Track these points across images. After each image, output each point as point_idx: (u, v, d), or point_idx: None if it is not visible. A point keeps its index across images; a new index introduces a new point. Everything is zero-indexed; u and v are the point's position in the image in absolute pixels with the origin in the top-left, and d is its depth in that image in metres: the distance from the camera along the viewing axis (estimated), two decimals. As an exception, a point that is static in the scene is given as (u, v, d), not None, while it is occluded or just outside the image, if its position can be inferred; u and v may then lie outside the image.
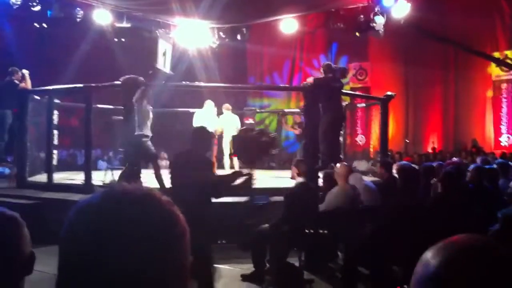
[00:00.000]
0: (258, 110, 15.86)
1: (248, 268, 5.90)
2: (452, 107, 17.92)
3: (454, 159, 10.62)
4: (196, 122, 11.09)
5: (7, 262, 1.31)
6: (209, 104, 11.21)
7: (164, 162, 15.20)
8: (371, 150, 17.75)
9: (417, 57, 17.13)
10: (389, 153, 12.02)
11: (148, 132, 8.51)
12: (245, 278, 5.77)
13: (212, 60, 16.49)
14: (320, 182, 8.30)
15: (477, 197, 6.02)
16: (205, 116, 11.04)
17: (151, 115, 8.78)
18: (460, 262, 0.73)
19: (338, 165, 6.63)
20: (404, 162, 8.55)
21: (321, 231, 5.83)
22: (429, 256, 0.76)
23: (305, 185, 6.30)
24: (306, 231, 5.80)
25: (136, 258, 0.76)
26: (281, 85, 20.12)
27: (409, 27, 12.52)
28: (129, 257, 0.76)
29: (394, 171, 8.32)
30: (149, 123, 8.60)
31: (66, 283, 0.80)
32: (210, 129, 10.61)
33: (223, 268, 6.24)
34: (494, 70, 16.59)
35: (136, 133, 8.27)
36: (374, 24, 11.61)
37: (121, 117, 8.75)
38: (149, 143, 8.54)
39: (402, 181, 5.67)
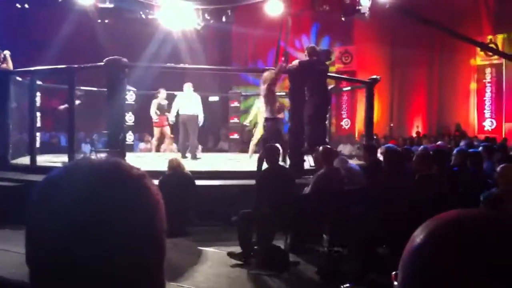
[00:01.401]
0: (243, 93, 15.81)
1: (235, 250, 5.91)
2: (436, 92, 18.05)
3: (439, 142, 10.71)
4: (177, 105, 11.07)
5: None
6: (188, 87, 11.14)
7: (149, 145, 15.18)
8: (356, 134, 17.84)
9: (403, 40, 17.16)
10: (374, 137, 12.08)
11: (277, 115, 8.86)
12: (231, 255, 5.79)
13: (197, 42, 16.36)
14: (308, 164, 8.35)
15: (461, 180, 6.09)
16: (186, 99, 10.97)
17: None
18: (444, 234, 0.71)
19: (323, 148, 6.63)
20: (389, 144, 8.60)
21: (305, 213, 5.85)
22: (416, 233, 0.75)
23: (277, 168, 6.34)
24: (289, 213, 5.84)
25: (106, 234, 0.74)
26: (266, 68, 20.00)
27: (394, 10, 12.50)
28: (96, 234, 0.73)
29: (379, 154, 8.38)
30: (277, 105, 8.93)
31: (36, 263, 0.77)
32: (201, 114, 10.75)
33: (210, 251, 6.26)
34: (479, 55, 16.69)
35: (269, 116, 8.51)
36: (360, 7, 11.57)
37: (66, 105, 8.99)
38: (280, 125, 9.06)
39: (387, 163, 5.70)
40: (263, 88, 8.61)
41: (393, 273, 0.77)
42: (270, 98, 8.59)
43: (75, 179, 0.78)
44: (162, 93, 12.13)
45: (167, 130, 12.53)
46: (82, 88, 11.64)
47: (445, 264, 0.68)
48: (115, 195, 0.77)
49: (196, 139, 11.16)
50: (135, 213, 0.77)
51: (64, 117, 10.15)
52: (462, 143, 11.63)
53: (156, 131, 12.47)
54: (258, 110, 10.95)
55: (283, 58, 8.37)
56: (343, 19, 12.43)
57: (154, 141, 12.78)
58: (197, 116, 10.91)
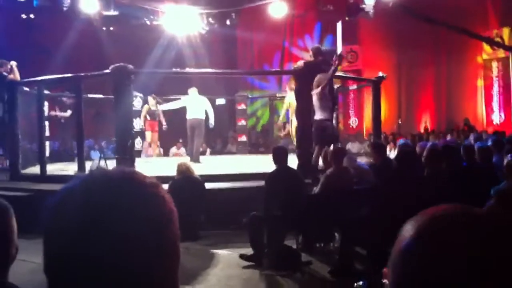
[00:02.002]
0: (250, 96, 15.84)
1: (246, 252, 5.92)
2: (444, 87, 17.96)
3: (449, 137, 10.66)
4: (179, 104, 11.21)
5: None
6: (193, 91, 11.18)
7: (157, 150, 15.24)
8: (365, 132, 17.79)
9: (408, 37, 17.08)
10: (382, 134, 12.05)
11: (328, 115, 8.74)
12: (243, 257, 5.80)
13: (202, 47, 16.41)
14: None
15: (470, 175, 6.05)
16: (193, 103, 11.00)
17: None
18: (431, 230, 0.72)
19: (331, 147, 6.64)
20: (402, 140, 8.59)
21: (316, 213, 5.85)
22: (404, 230, 0.75)
23: (284, 168, 6.34)
24: (300, 214, 5.85)
25: (120, 244, 0.75)
26: (272, 70, 20.00)
27: (398, 9, 12.48)
28: (113, 243, 0.75)
29: (388, 152, 8.36)
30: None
31: (53, 273, 0.78)
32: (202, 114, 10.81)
33: (222, 253, 6.27)
34: (485, 49, 16.60)
35: (319, 118, 8.52)
36: (364, 6, 11.57)
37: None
38: (332, 126, 8.92)
39: (398, 160, 5.69)
40: (317, 91, 8.57)
41: (384, 269, 0.77)
42: (323, 100, 8.61)
43: (90, 189, 0.79)
44: (152, 100, 12.25)
45: (156, 136, 12.78)
46: (89, 95, 11.71)
47: (432, 262, 0.68)
48: (129, 205, 0.78)
49: (201, 143, 11.22)
50: (150, 222, 0.78)
51: (71, 124, 10.26)
52: (471, 138, 11.56)
53: (148, 135, 12.73)
54: (290, 106, 10.92)
55: (336, 60, 8.43)
56: (347, 19, 12.43)
57: (146, 145, 13.06)
58: (203, 120, 10.95)
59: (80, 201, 0.78)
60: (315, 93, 8.58)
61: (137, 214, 0.78)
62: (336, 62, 8.45)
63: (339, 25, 9.66)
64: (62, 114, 12.01)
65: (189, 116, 10.95)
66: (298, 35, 19.82)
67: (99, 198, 0.78)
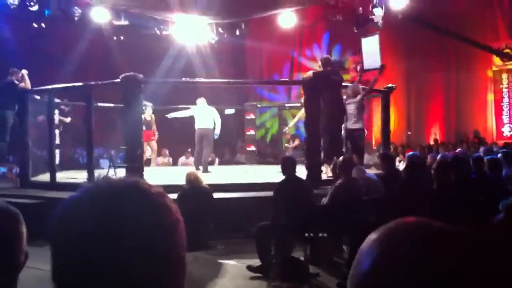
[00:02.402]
0: (259, 106, 15.85)
1: (254, 262, 5.90)
2: (453, 99, 17.89)
3: (458, 149, 10.60)
4: (187, 114, 11.23)
5: (5, 257, 1.31)
6: (202, 102, 11.22)
7: (166, 159, 15.26)
8: (374, 143, 17.73)
9: (418, 48, 17.06)
10: (391, 145, 12.01)
11: (362, 125, 9.25)
12: (251, 269, 5.78)
13: (211, 57, 16.46)
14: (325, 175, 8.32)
15: (480, 187, 6.01)
16: (202, 113, 11.03)
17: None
18: (388, 261, 0.70)
19: (341, 158, 6.62)
20: (411, 152, 8.58)
21: (324, 224, 5.82)
22: (361, 257, 0.73)
23: (293, 179, 6.32)
24: (308, 225, 5.82)
25: (125, 252, 0.75)
26: (281, 80, 20.00)
27: (407, 20, 12.48)
28: (117, 252, 0.75)
29: (397, 163, 8.33)
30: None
31: (60, 281, 0.79)
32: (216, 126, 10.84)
33: (229, 264, 6.25)
34: (495, 61, 16.53)
35: (357, 127, 9.00)
36: (373, 16, 11.58)
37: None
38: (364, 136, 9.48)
39: (407, 172, 5.66)
40: (356, 100, 8.94)
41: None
42: (361, 109, 9.07)
43: (95, 199, 0.80)
44: (148, 109, 12.27)
45: (154, 144, 12.76)
46: (99, 104, 11.78)
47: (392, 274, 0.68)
48: (134, 214, 0.78)
49: (210, 153, 11.23)
50: (155, 232, 0.79)
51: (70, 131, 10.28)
52: (481, 150, 11.48)
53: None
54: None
55: (380, 64, 9.10)
56: (355, 31, 12.46)
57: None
58: (212, 129, 10.98)
59: (86, 210, 0.79)
60: (354, 101, 8.94)
61: (141, 223, 0.78)
62: (377, 74, 9.16)
63: (364, 41, 10.01)
64: (63, 119, 12.09)
65: (197, 125, 10.98)
66: (307, 45, 19.84)
67: (104, 207, 0.78)
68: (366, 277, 0.70)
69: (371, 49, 10.74)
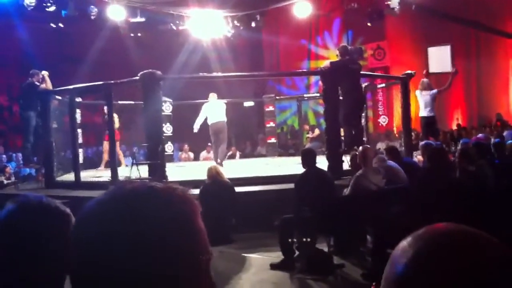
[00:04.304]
0: (277, 97, 15.81)
1: (277, 256, 5.91)
2: (474, 82, 17.60)
3: (480, 135, 10.45)
4: (205, 114, 11.11)
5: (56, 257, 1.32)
6: (213, 96, 11.20)
7: (188, 155, 15.36)
8: (395, 130, 17.56)
9: (436, 33, 16.80)
10: (413, 132, 11.90)
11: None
12: (273, 267, 5.78)
13: (228, 51, 16.45)
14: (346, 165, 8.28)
15: (503, 172, 5.92)
16: (214, 108, 11.02)
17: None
18: (430, 257, 0.69)
19: (361, 148, 6.57)
20: (428, 141, 8.45)
21: (346, 215, 5.80)
22: (399, 251, 0.73)
23: (314, 170, 6.30)
24: (330, 216, 5.80)
25: (145, 257, 0.76)
26: (298, 70, 19.81)
27: (420, 10, 12.33)
28: (138, 256, 0.76)
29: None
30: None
31: (78, 283, 0.81)
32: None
33: (252, 257, 6.28)
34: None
35: (433, 114, 10.72)
36: (390, 2, 11.46)
37: None
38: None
39: (427, 160, 5.61)
40: (433, 92, 10.62)
41: (374, 283, 0.76)
42: (434, 101, 10.69)
43: (118, 202, 0.82)
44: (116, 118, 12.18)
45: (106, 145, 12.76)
46: (120, 102, 11.83)
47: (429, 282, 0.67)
48: (156, 220, 0.79)
49: (225, 146, 11.25)
50: (175, 238, 0.80)
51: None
52: (505, 133, 11.31)
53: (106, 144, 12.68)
54: None
55: (454, 69, 11.07)
56: (369, 24, 12.39)
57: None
58: (225, 122, 10.99)
59: (109, 213, 0.80)
60: (429, 94, 10.51)
61: (163, 228, 0.79)
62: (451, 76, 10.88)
63: (431, 49, 12.08)
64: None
65: (211, 120, 10.91)
66: (322, 34, 19.70)
67: (127, 211, 0.79)
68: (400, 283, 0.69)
69: (441, 56, 12.12)
